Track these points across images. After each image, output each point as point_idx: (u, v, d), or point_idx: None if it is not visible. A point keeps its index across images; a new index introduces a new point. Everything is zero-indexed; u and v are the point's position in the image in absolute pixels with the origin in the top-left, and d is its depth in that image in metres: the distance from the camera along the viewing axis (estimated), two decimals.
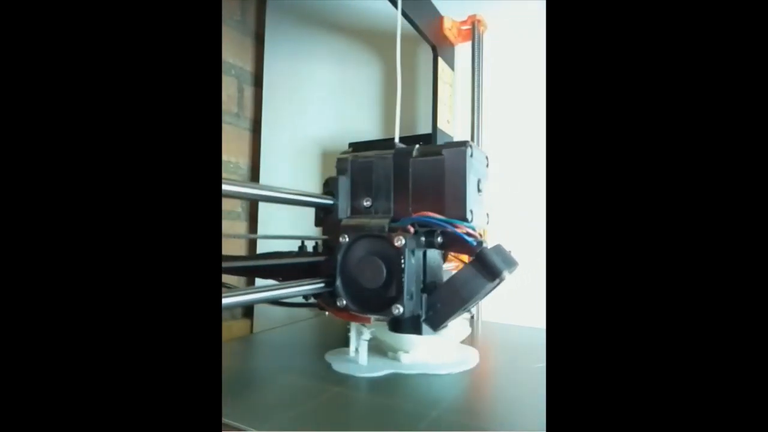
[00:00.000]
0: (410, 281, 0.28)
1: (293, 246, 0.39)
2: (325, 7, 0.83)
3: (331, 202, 0.31)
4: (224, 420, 0.24)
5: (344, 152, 0.32)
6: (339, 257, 0.30)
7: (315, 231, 0.35)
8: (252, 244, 0.92)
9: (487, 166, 0.33)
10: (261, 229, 0.90)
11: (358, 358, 0.35)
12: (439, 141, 0.59)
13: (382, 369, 0.34)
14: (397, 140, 0.33)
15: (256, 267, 0.36)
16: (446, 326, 0.31)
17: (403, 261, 0.28)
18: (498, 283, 0.29)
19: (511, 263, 0.28)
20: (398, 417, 0.26)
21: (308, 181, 0.83)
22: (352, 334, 0.36)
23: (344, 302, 0.30)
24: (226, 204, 0.91)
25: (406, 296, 0.28)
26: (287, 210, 0.85)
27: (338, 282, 0.30)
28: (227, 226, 0.90)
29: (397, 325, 0.30)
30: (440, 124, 0.60)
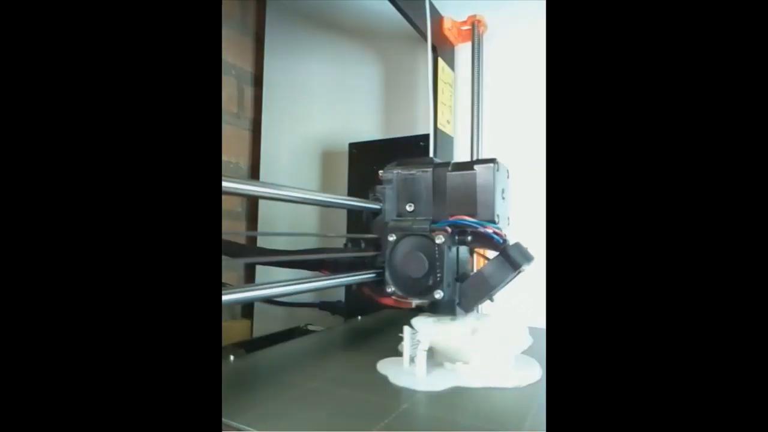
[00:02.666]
0: (448, 272, 0.35)
1: (304, 243, 0.44)
2: (324, 8, 0.84)
3: (379, 206, 0.38)
4: (224, 420, 0.24)
5: (389, 166, 0.39)
6: (388, 252, 0.36)
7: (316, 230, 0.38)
8: (251, 243, 0.93)
9: (508, 177, 0.40)
10: (261, 229, 0.90)
11: (415, 369, 0.32)
12: (439, 141, 0.62)
13: (442, 383, 0.31)
14: (433, 157, 0.39)
15: (307, 260, 0.42)
16: (475, 309, 0.38)
17: (442, 255, 0.35)
18: (518, 274, 0.36)
19: (529, 257, 0.35)
20: None
21: (308, 181, 0.84)
22: (406, 343, 0.33)
23: (392, 288, 0.36)
24: (226, 204, 0.91)
25: (444, 284, 0.35)
26: (288, 211, 0.86)
27: (387, 272, 0.36)
28: (227, 225, 0.90)
29: (436, 308, 0.37)
30: (440, 124, 0.63)
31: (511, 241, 0.36)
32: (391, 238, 0.36)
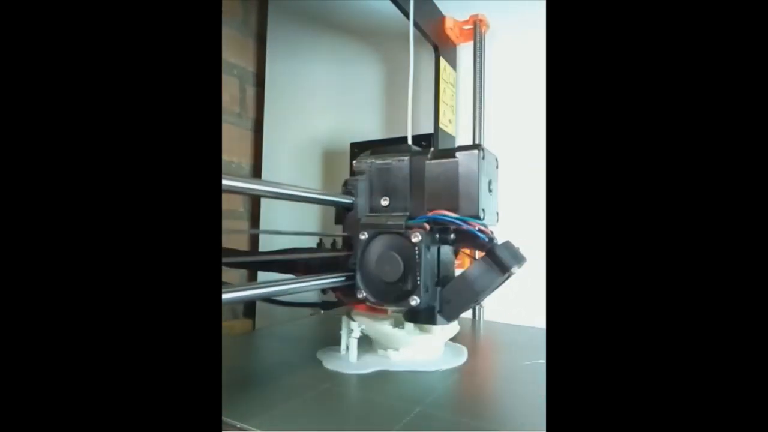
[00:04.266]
0: (426, 275, 0.31)
1: (303, 242, 0.41)
2: (326, 8, 0.84)
3: (350, 201, 0.34)
4: (224, 419, 0.24)
5: (362, 155, 0.34)
6: (359, 252, 0.32)
7: (315, 230, 0.36)
8: (254, 244, 0.93)
9: (497, 167, 0.35)
10: (264, 229, 0.91)
11: (348, 355, 0.35)
12: (441, 140, 0.61)
13: (371, 366, 0.34)
14: (410, 142, 0.35)
15: (277, 261, 0.38)
16: (458, 317, 0.33)
17: (419, 256, 0.30)
18: (507, 277, 0.31)
19: (519, 259, 0.30)
20: (383, 412, 0.26)
21: (310, 181, 0.84)
22: (343, 332, 0.36)
23: (364, 294, 0.32)
24: (229, 204, 0.92)
25: (422, 289, 0.30)
26: (289, 210, 0.87)
27: (358, 275, 0.32)
28: (230, 225, 0.91)
29: (414, 316, 0.32)
30: (442, 124, 0.61)
31: (501, 239, 0.31)
32: (363, 236, 0.32)
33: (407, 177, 0.33)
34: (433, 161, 0.32)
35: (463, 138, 0.67)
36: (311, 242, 0.40)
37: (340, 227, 0.36)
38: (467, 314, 0.60)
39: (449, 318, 0.32)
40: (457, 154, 0.31)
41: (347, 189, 0.34)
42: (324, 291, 0.38)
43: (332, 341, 0.39)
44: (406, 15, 0.51)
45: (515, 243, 0.31)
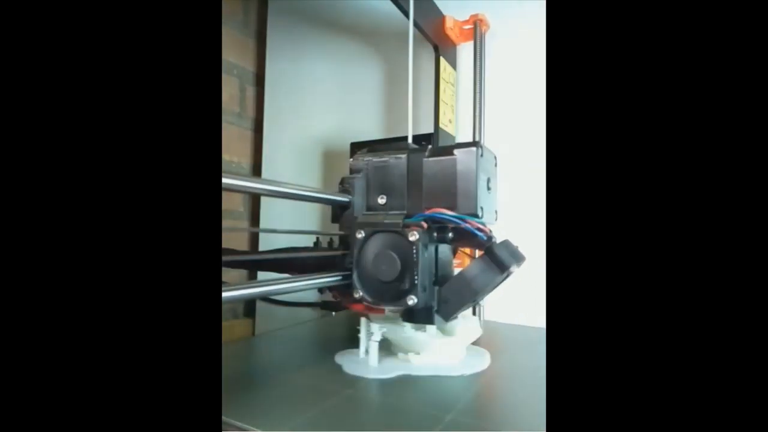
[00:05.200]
0: (423, 274, 0.30)
1: (300, 241, 0.41)
2: (326, 7, 0.83)
3: (347, 199, 0.33)
4: (224, 419, 0.24)
5: (359, 153, 0.34)
6: (355, 251, 0.31)
7: (316, 229, 0.36)
8: (254, 243, 0.93)
9: (496, 165, 0.34)
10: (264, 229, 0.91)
11: (369, 359, 0.34)
12: (441, 140, 0.60)
13: (392, 371, 0.33)
14: (410, 141, 0.34)
15: (272, 260, 0.37)
16: (456, 317, 0.33)
17: (417, 254, 0.30)
18: (506, 276, 0.31)
19: (518, 257, 0.30)
20: (414, 420, 0.26)
21: (309, 181, 0.83)
22: (362, 335, 0.35)
23: (360, 294, 0.32)
24: (229, 203, 0.92)
25: (419, 288, 0.30)
26: (289, 210, 0.86)
27: (355, 275, 0.32)
28: (230, 225, 0.91)
29: (411, 316, 0.32)
30: (442, 124, 0.61)
31: (499, 238, 0.31)
32: (360, 235, 0.32)
33: (404, 175, 0.32)
34: (430, 159, 0.31)
35: (463, 138, 0.67)
36: (309, 241, 0.39)
37: (337, 226, 0.35)
38: (492, 317, 0.59)
39: (446, 317, 0.31)
40: (455, 151, 0.31)
41: (344, 187, 0.34)
42: (321, 291, 0.37)
43: (349, 344, 0.38)
44: (406, 15, 0.51)
45: (514, 243, 0.31)
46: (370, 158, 0.33)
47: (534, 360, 0.40)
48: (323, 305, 0.70)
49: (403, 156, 0.32)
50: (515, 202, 0.58)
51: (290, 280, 0.30)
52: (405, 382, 0.32)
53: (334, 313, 0.51)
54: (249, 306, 0.91)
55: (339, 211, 0.34)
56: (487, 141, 0.63)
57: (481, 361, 0.36)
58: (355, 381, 0.31)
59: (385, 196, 0.33)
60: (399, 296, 0.30)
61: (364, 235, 0.31)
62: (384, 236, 0.31)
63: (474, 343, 0.39)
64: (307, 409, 0.26)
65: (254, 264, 0.39)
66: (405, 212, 0.32)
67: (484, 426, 0.26)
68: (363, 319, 0.36)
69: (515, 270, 0.30)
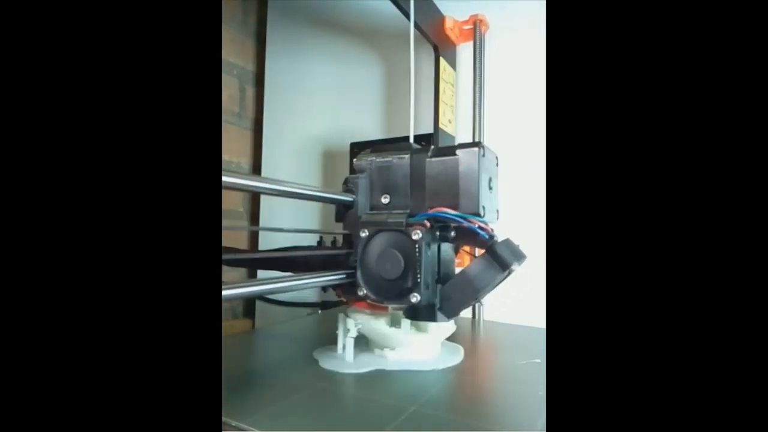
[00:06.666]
0: (426, 272, 0.31)
1: (303, 241, 0.41)
2: (326, 8, 0.84)
3: (351, 198, 0.34)
4: (224, 420, 0.24)
5: (363, 153, 0.34)
6: (359, 250, 0.32)
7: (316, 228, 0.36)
8: (253, 244, 0.93)
9: (497, 165, 0.35)
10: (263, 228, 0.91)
11: (345, 355, 0.35)
12: (441, 140, 0.61)
13: (367, 366, 0.34)
14: (411, 141, 0.35)
15: (276, 259, 0.38)
16: (459, 314, 0.33)
17: (420, 253, 0.30)
18: (507, 275, 0.31)
19: (519, 256, 0.30)
20: (378, 412, 0.27)
21: (309, 181, 0.83)
22: (340, 331, 0.36)
23: (364, 291, 0.32)
24: (229, 203, 0.92)
25: (422, 286, 0.30)
26: (289, 211, 0.86)
27: (359, 273, 0.32)
28: (229, 225, 0.91)
29: (414, 313, 0.32)
30: (442, 124, 0.62)
31: (501, 237, 0.31)
32: (363, 233, 0.32)
33: (408, 174, 0.33)
34: (433, 159, 0.32)
35: (463, 138, 0.67)
36: (311, 241, 0.40)
37: (340, 225, 0.36)
38: (466, 314, 0.60)
39: (449, 315, 0.32)
40: (458, 151, 0.31)
41: (348, 187, 0.34)
42: (324, 289, 0.38)
43: (329, 341, 0.38)
44: (407, 15, 0.51)
45: (515, 242, 0.31)
46: (374, 158, 0.34)
47: (507, 356, 0.41)
48: (322, 305, 0.70)
49: (407, 156, 0.33)
50: (515, 202, 0.58)
51: (295, 278, 0.30)
52: (378, 376, 0.33)
53: (320, 311, 0.52)
54: (248, 305, 0.91)
55: (343, 210, 0.34)
56: (486, 141, 0.63)
57: (455, 357, 0.37)
58: (329, 375, 0.33)
59: (388, 196, 0.33)
60: (402, 294, 0.31)
61: (367, 233, 0.32)
62: (387, 235, 0.32)
63: (451, 339, 0.40)
64: (276, 401, 0.27)
65: (259, 262, 0.40)
66: (408, 211, 0.32)
67: (444, 417, 0.26)
68: (340, 315, 0.37)
69: (516, 268, 0.31)
